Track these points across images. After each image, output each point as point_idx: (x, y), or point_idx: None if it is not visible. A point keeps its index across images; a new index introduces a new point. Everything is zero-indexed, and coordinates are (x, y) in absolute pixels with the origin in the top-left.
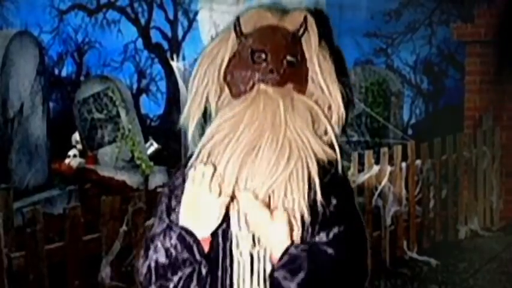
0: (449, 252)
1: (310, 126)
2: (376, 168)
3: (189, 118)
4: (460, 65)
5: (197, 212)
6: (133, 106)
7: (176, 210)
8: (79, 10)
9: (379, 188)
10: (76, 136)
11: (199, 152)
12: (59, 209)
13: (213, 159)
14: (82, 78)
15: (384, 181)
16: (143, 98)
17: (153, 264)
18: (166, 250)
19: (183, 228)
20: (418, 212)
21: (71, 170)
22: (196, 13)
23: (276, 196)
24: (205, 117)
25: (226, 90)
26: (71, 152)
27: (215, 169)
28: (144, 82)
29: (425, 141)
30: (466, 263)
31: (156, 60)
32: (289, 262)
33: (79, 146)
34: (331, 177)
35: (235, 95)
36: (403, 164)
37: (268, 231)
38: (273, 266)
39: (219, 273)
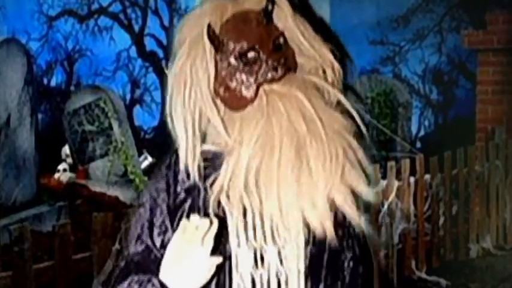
0: (460, 271)
1: (325, 103)
2: (382, 183)
3: (190, 155)
4: (471, 74)
5: (181, 268)
6: (126, 118)
7: (158, 224)
8: (69, 16)
9: (386, 204)
10: (66, 149)
11: (243, 186)
12: (48, 226)
13: (262, 193)
14: (72, 88)
15: (391, 197)
16: (137, 109)
17: None
18: None
19: (162, 284)
20: (427, 230)
21: (61, 185)
22: None
23: (338, 199)
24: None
25: (221, 105)
26: (61, 166)
27: (211, 222)
28: (137, 92)
29: (434, 155)
30: (478, 283)
31: (150, 69)
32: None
33: (69, 160)
34: None
35: (238, 107)
36: (412, 179)
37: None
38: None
39: None
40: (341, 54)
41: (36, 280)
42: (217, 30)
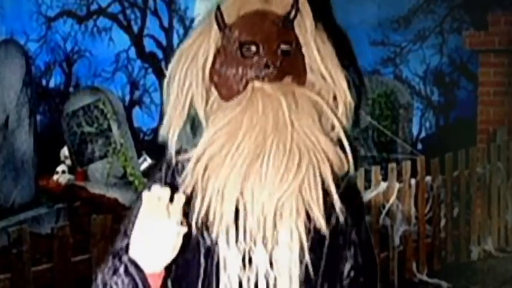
0: (462, 274)
1: (317, 123)
2: (383, 185)
3: (171, 128)
4: (472, 76)
5: (149, 240)
6: (125, 119)
7: None
8: (68, 17)
9: (387, 206)
10: (65, 151)
11: (193, 166)
12: (46, 228)
13: (210, 174)
14: (71, 89)
15: (392, 199)
16: (136, 110)
17: None
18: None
19: (130, 260)
20: (428, 232)
21: (60, 187)
22: (192, 20)
23: (287, 210)
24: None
25: (214, 92)
26: (60, 168)
27: (173, 191)
28: (137, 93)
29: (435, 157)
30: (479, 285)
31: (149, 70)
32: None
33: (68, 162)
34: (345, 186)
35: (227, 97)
36: (413, 181)
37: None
38: None
39: None
40: (355, 84)
41: (35, 282)
42: (233, 18)
